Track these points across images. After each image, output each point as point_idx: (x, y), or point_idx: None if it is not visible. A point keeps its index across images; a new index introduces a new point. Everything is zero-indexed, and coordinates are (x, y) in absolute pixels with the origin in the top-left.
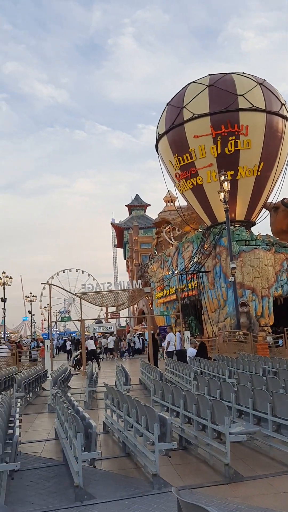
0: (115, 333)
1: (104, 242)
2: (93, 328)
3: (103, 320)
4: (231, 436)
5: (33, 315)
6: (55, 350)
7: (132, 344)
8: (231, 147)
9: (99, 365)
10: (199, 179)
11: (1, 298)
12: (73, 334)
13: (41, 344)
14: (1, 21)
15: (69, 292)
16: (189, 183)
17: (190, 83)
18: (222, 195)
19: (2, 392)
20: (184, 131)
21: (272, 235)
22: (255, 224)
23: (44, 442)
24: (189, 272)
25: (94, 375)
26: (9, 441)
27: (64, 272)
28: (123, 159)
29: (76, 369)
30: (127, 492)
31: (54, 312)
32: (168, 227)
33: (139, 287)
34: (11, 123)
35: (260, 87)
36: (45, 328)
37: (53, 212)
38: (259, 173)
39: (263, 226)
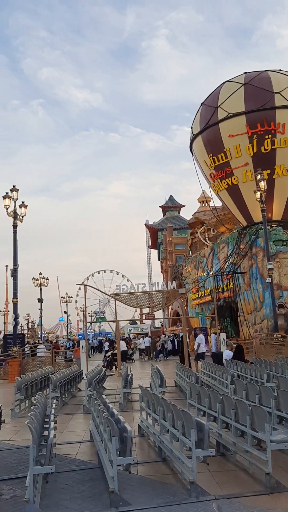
0: (149, 334)
1: (138, 244)
2: (127, 329)
3: (137, 321)
4: (272, 444)
5: (69, 315)
6: (90, 350)
7: (165, 346)
8: (268, 146)
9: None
10: (234, 178)
11: (38, 299)
12: (108, 335)
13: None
14: (37, 28)
15: (104, 293)
16: (224, 183)
17: (225, 82)
18: (258, 194)
19: (38, 392)
20: (219, 130)
21: None
22: None
23: (79, 444)
24: (225, 273)
25: (129, 377)
26: (44, 442)
27: (99, 273)
28: (157, 160)
29: (108, 369)
30: (164, 500)
31: (89, 313)
32: (202, 227)
33: (173, 288)
34: (47, 128)
35: None
36: (80, 329)
37: (88, 215)
38: None
39: None
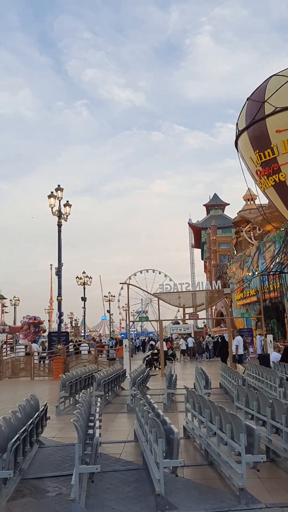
0: (192, 334)
1: (181, 243)
2: (170, 329)
3: (180, 321)
4: None
5: (112, 314)
6: (133, 350)
7: (209, 346)
8: None
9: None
10: (281, 175)
11: (82, 297)
12: (150, 334)
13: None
14: (81, 30)
15: (147, 292)
16: (271, 180)
17: (271, 76)
18: None
19: (82, 390)
20: (266, 125)
21: None
22: None
23: (123, 444)
24: (271, 273)
25: (173, 377)
26: (89, 441)
27: (141, 273)
28: (200, 159)
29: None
30: (212, 505)
31: (131, 312)
32: (248, 226)
33: (218, 288)
34: (90, 128)
35: None
36: (123, 328)
37: (130, 214)
38: None
39: None
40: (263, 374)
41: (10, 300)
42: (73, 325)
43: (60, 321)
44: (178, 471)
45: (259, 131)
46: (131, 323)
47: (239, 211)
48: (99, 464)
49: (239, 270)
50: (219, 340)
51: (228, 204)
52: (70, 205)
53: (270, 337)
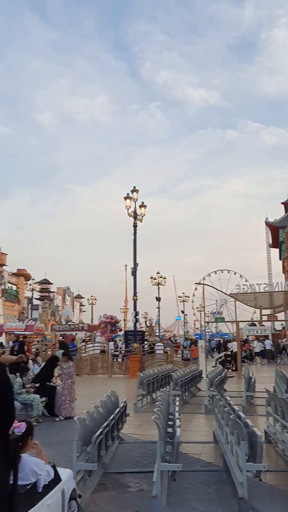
0: (269, 337)
1: (257, 242)
2: (246, 330)
3: (256, 323)
4: None
5: (186, 315)
6: (210, 351)
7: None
8: None
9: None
10: None
11: (156, 297)
12: (225, 336)
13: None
14: (155, 33)
15: (223, 292)
16: None
17: None
18: None
19: (160, 389)
20: None
21: None
22: None
23: (202, 444)
24: None
25: (252, 379)
26: (169, 439)
27: (215, 273)
28: (278, 155)
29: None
30: None
31: (206, 313)
32: None
33: None
34: (164, 129)
35: None
36: (197, 328)
37: (204, 213)
38: None
39: None
40: None
41: (88, 299)
42: (147, 324)
43: (136, 320)
44: (261, 476)
45: None
46: (206, 324)
47: None
48: (180, 463)
49: None
50: None
51: None
52: (145, 206)
53: None
